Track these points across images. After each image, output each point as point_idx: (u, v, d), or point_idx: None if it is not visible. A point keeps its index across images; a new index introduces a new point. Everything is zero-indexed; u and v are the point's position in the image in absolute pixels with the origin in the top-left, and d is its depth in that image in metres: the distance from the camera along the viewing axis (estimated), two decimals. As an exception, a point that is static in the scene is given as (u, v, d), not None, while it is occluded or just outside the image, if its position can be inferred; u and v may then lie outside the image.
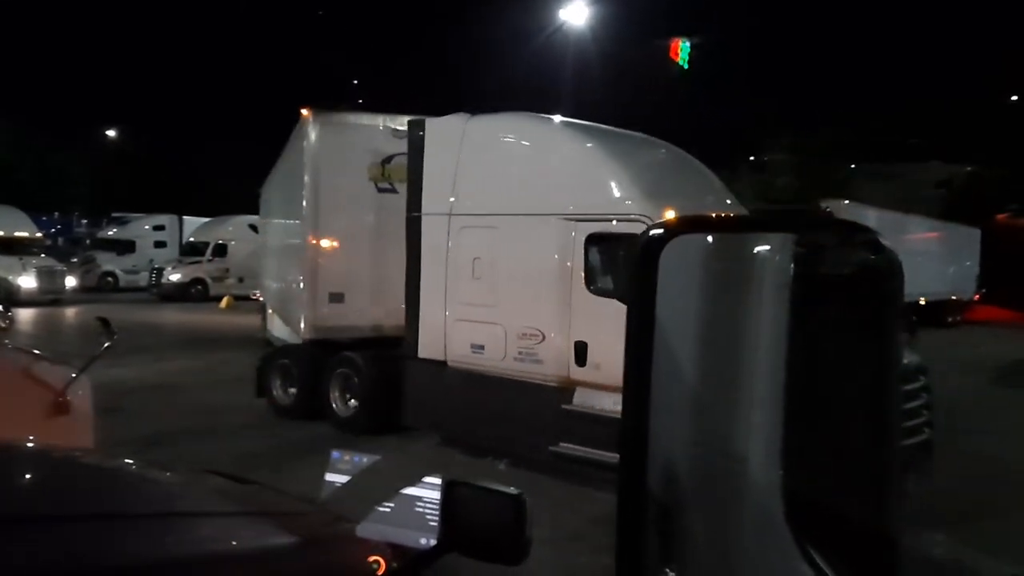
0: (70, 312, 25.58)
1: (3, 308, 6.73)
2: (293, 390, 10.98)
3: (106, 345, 4.97)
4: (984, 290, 31.93)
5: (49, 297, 27.54)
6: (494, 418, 8.65)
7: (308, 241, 10.98)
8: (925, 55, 52.96)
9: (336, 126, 10.98)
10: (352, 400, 10.29)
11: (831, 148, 43.13)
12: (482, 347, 8.80)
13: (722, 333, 1.15)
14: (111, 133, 58.36)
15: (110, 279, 35.19)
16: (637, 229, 7.40)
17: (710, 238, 1.20)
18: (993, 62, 40.12)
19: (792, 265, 1.10)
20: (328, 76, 70.00)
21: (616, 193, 8.09)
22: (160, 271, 32.00)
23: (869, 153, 45.97)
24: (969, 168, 45.62)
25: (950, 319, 29.14)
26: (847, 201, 25.64)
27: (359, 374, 10.19)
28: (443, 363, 9.16)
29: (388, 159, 10.73)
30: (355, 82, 73.27)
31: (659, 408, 1.16)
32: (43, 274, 27.89)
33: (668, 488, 1.18)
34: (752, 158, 50.32)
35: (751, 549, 1.13)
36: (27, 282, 27.34)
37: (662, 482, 1.18)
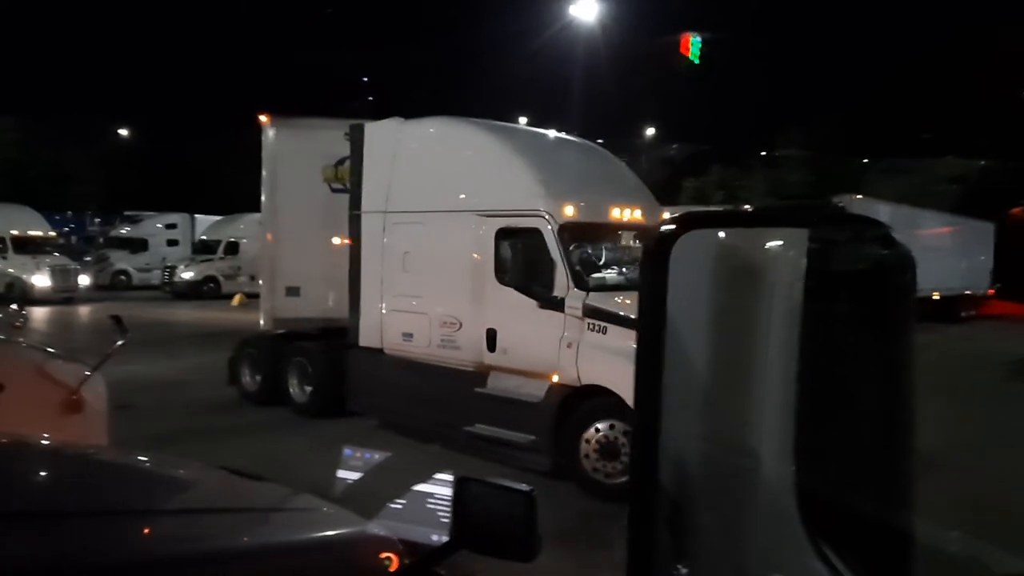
0: (84, 310, 25.73)
1: (17, 307, 6.76)
2: (258, 378, 11.71)
3: (119, 343, 5.00)
4: (998, 285, 31.69)
5: (63, 295, 27.71)
6: (422, 401, 9.39)
7: (267, 238, 11.90)
8: (941, 48, 52.65)
9: (291, 130, 11.66)
10: (307, 387, 11.07)
11: (844, 143, 42.93)
12: (411, 335, 9.65)
13: (734, 328, 1.15)
14: (123, 132, 58.59)
15: (123, 277, 35.40)
16: (538, 224, 8.46)
17: (722, 233, 1.19)
18: (1009, 57, 39.80)
19: (804, 260, 1.09)
20: (338, 74, 70.15)
21: (520, 190, 8.78)
22: (172, 269, 32.18)
23: (882, 148, 45.72)
24: (983, 162, 45.29)
25: (963, 314, 28.99)
26: (859, 196, 25.53)
27: (312, 362, 11.01)
28: (380, 351, 10.03)
29: (340, 161, 11.22)
30: (364, 79, 73.44)
31: (670, 404, 1.16)
32: (57, 273, 28.06)
33: (680, 485, 1.18)
34: (764, 154, 50.15)
35: (764, 546, 1.12)
36: (41, 281, 27.52)
37: (674, 479, 1.18)
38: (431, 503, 2.23)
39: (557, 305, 8.22)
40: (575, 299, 8.11)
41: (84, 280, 29.87)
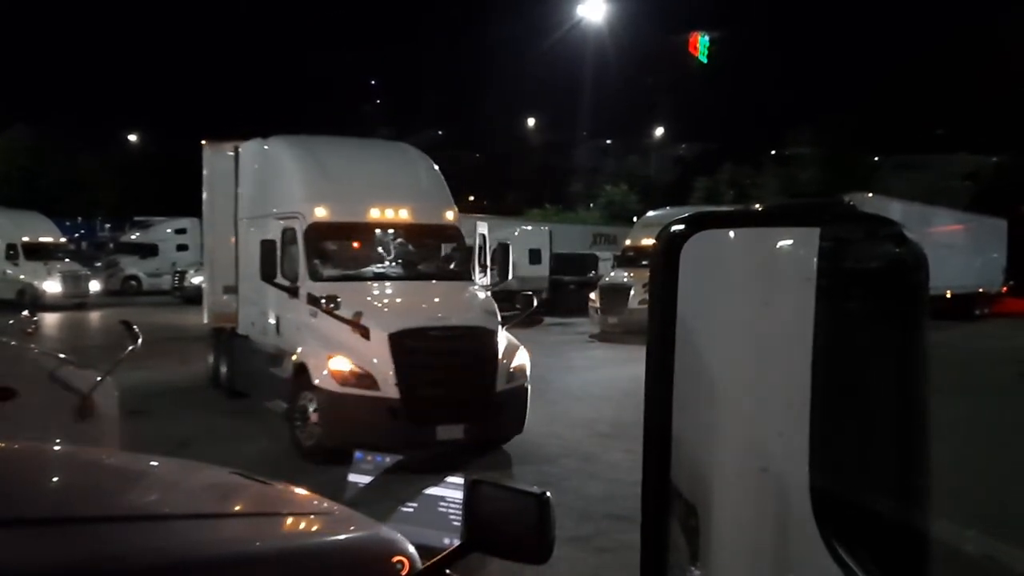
0: (94, 316, 25.88)
1: (29, 313, 6.79)
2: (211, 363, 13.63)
3: (130, 348, 5.01)
4: (1012, 282, 31.48)
5: (74, 301, 27.88)
6: (257, 381, 11.03)
7: (208, 243, 13.64)
8: (952, 43, 52.36)
9: (223, 151, 12.88)
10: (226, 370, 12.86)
11: (855, 140, 42.77)
12: (254, 324, 11.40)
13: (746, 328, 1.14)
14: (133, 137, 58.82)
15: (133, 282, 35.57)
16: (295, 224, 9.97)
17: (732, 233, 1.19)
18: (1020, 52, 39.59)
19: (816, 259, 1.09)
20: (348, 77, 70.33)
21: (291, 195, 10.43)
22: (183, 274, 32.26)
23: (894, 145, 45.54)
24: (996, 159, 45.03)
25: (977, 312, 28.84)
26: (870, 194, 25.46)
27: (225, 350, 12.81)
28: (247, 337, 11.69)
29: None
30: (372, 82, 73.69)
31: (682, 405, 1.16)
32: (67, 278, 28.23)
33: (693, 486, 1.17)
34: (774, 152, 50.05)
35: (778, 548, 1.12)
36: (52, 287, 27.69)
37: (687, 480, 1.17)
38: (443, 506, 2.23)
39: (295, 294, 9.68)
40: (306, 288, 9.54)
41: (94, 285, 30.03)
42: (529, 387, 9.69)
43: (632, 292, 21.70)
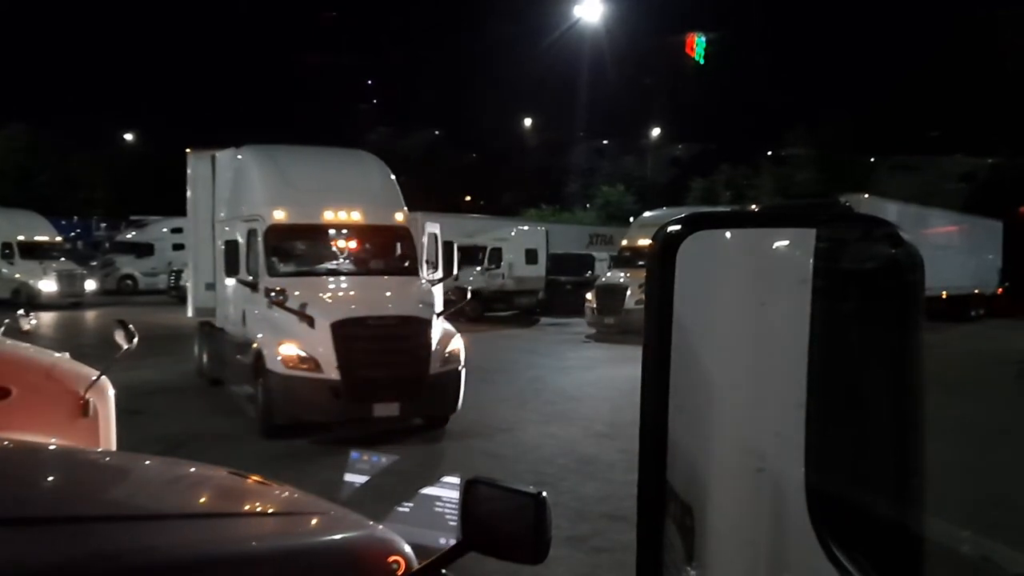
0: (90, 315, 25.83)
1: (25, 311, 6.79)
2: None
3: (126, 347, 4.99)
4: (1007, 284, 31.52)
5: (69, 300, 27.84)
6: (230, 368, 11.94)
7: (192, 243, 14.41)
8: (949, 44, 52.38)
9: (204, 158, 13.85)
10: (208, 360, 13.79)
11: (852, 141, 42.78)
12: (227, 317, 12.28)
13: (742, 329, 1.14)
14: (129, 136, 58.69)
15: (129, 282, 35.51)
16: (257, 225, 11.03)
17: (728, 234, 1.19)
18: (1017, 53, 39.56)
19: (812, 260, 1.09)
20: (344, 77, 70.30)
21: (255, 199, 11.48)
22: (179, 273, 32.13)
23: (890, 146, 45.55)
24: (991, 160, 45.03)
25: (973, 313, 28.87)
26: (867, 195, 25.47)
27: (205, 341, 13.77)
28: (223, 329, 12.53)
29: None
30: (369, 82, 73.68)
31: (678, 405, 1.16)
32: (63, 278, 28.19)
33: (689, 485, 1.17)
34: (771, 152, 50.07)
35: (773, 548, 1.12)
36: (48, 286, 27.65)
37: (683, 480, 1.17)
38: (439, 506, 2.23)
39: (255, 287, 10.66)
40: (264, 283, 10.50)
41: (90, 285, 29.98)
42: (464, 371, 10.63)
43: (628, 292, 21.74)
